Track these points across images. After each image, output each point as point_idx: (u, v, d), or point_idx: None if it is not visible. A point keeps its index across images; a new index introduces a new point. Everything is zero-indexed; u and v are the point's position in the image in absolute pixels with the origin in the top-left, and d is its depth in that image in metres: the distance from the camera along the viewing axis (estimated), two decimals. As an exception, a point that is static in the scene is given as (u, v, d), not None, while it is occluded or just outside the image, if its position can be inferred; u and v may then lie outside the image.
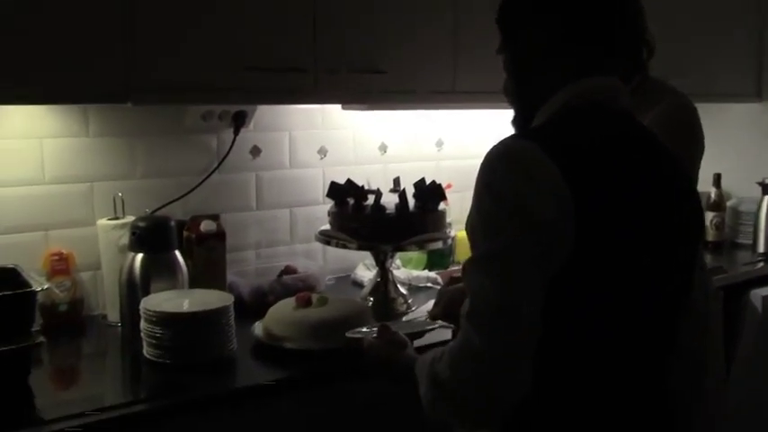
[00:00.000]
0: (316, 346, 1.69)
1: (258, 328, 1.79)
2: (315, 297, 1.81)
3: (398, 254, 2.31)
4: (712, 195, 2.90)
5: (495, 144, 1.11)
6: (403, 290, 2.15)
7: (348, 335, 1.59)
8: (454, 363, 1.09)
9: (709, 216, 2.87)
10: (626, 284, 1.11)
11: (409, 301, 2.11)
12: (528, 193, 1.04)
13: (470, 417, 1.13)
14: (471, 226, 1.11)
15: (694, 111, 1.89)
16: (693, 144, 1.86)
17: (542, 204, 1.04)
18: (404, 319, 1.97)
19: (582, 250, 1.05)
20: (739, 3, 2.86)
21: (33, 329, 1.54)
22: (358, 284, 2.30)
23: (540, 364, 1.07)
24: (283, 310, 1.79)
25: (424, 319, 1.72)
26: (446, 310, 1.66)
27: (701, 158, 1.90)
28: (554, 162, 1.04)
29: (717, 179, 2.89)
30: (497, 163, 1.08)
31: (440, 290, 1.82)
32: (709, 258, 2.74)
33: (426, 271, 2.39)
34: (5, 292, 1.48)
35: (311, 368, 1.65)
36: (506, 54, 1.25)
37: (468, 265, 1.10)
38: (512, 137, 1.13)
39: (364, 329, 1.59)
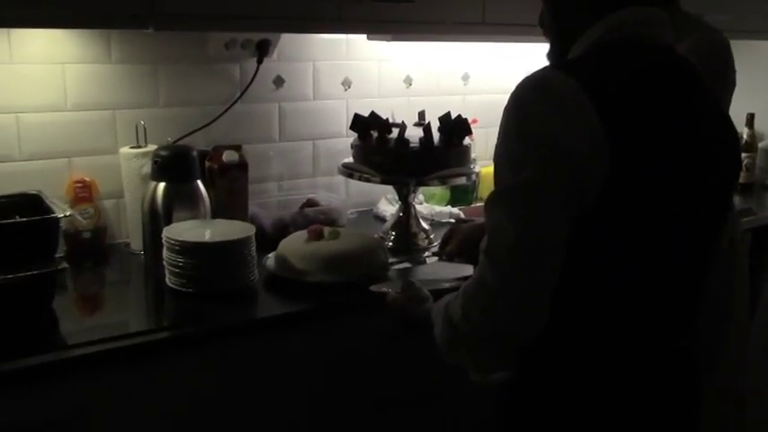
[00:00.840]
0: (326, 279, 1.69)
1: (271, 259, 1.79)
2: (327, 230, 1.80)
3: (421, 189, 2.29)
4: (744, 136, 2.83)
5: (526, 75, 1.07)
6: (425, 225, 2.14)
7: (372, 289, 1.60)
8: (468, 302, 1.08)
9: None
10: (657, 227, 1.08)
11: (431, 236, 2.10)
12: (558, 127, 1.00)
13: (484, 357, 1.12)
14: (497, 158, 1.08)
15: (728, 46, 1.82)
16: (724, 79, 1.80)
17: (573, 139, 1.00)
18: (425, 256, 1.97)
19: (612, 189, 1.01)
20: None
21: (57, 255, 1.55)
22: (380, 219, 2.29)
23: (560, 305, 1.05)
24: (295, 243, 1.78)
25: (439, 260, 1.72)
26: (462, 246, 1.65)
27: (731, 95, 1.84)
28: (588, 96, 1.00)
29: (750, 119, 2.82)
30: (529, 94, 1.05)
31: (451, 226, 1.80)
32: (738, 200, 2.68)
33: (449, 207, 2.37)
34: (29, 218, 1.49)
35: (322, 301, 1.65)
36: None
37: (490, 198, 1.07)
38: (545, 68, 1.09)
39: (385, 288, 1.58)
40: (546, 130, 1.01)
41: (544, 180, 1.01)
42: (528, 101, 1.04)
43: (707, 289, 1.21)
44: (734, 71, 1.83)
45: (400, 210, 2.11)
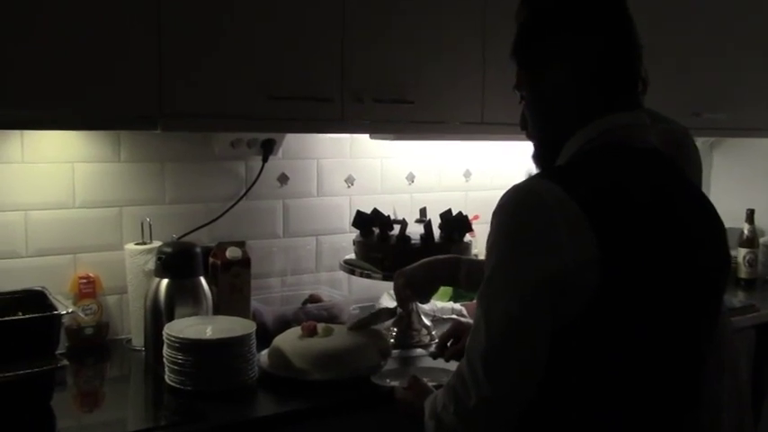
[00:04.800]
0: (320, 377, 1.69)
1: (264, 356, 1.79)
2: (320, 327, 1.81)
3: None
4: (745, 231, 2.85)
5: (514, 185, 1.08)
6: (427, 321, 2.13)
7: (375, 381, 1.65)
8: (448, 395, 1.11)
9: (742, 252, 2.82)
10: (649, 335, 1.08)
11: (433, 332, 2.09)
12: (548, 241, 1.01)
13: None
14: (486, 258, 1.09)
15: (689, 134, 1.85)
16: (696, 163, 1.82)
17: (563, 252, 1.01)
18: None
19: (603, 298, 1.02)
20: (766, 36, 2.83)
21: (58, 352, 1.55)
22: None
23: (545, 413, 1.06)
24: (289, 339, 1.79)
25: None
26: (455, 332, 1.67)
27: (700, 179, 1.85)
28: (579, 206, 1.01)
29: (750, 215, 2.84)
30: (517, 207, 1.06)
31: (454, 323, 1.81)
32: (741, 296, 2.68)
33: (451, 302, 2.37)
34: (31, 315, 1.50)
35: (320, 399, 1.63)
36: (526, 90, 1.22)
37: (478, 298, 1.09)
38: (534, 177, 1.10)
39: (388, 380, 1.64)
40: (536, 243, 1.03)
41: (528, 302, 1.02)
42: (515, 213, 1.06)
43: (701, 391, 1.19)
44: (698, 153, 1.84)
45: (402, 305, 2.11)
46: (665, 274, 1.07)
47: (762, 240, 2.92)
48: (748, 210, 2.83)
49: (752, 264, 2.86)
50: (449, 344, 1.75)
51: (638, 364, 1.08)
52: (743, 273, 2.84)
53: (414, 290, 1.74)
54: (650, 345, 1.08)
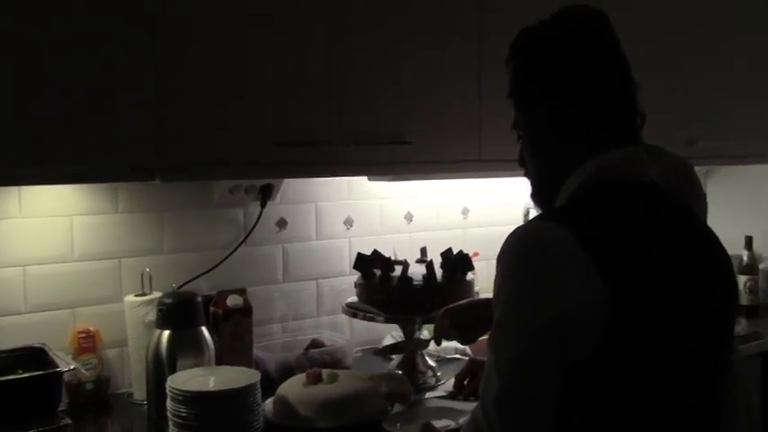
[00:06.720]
0: (325, 425, 1.66)
1: (269, 404, 1.76)
2: (325, 373, 1.79)
3: (426, 325, 2.27)
4: (745, 258, 2.85)
5: (518, 227, 1.08)
6: (431, 362, 2.11)
7: (386, 427, 1.64)
8: None
9: (743, 279, 2.81)
10: (661, 375, 1.06)
11: (438, 373, 2.07)
12: (555, 285, 1.01)
13: None
14: (495, 301, 1.08)
15: (692, 166, 1.85)
16: (701, 197, 1.82)
17: (570, 294, 1.00)
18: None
19: (613, 339, 1.01)
20: (764, 63, 2.86)
21: (59, 410, 1.53)
22: (386, 357, 2.27)
23: None
24: (294, 387, 1.76)
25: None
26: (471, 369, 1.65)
27: (706, 213, 1.85)
28: (583, 248, 1.01)
29: (749, 242, 2.84)
30: (521, 250, 1.06)
31: (471, 359, 1.80)
32: (744, 323, 2.67)
33: (455, 342, 2.34)
34: (32, 373, 1.48)
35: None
36: (523, 130, 1.22)
37: (489, 343, 1.09)
38: (536, 218, 1.10)
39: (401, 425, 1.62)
40: (542, 286, 1.02)
41: (536, 343, 1.02)
42: (522, 256, 1.05)
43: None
44: (701, 186, 1.84)
45: (406, 347, 2.09)
46: (675, 313, 1.06)
47: (761, 267, 2.92)
48: (746, 236, 2.83)
49: (753, 290, 2.85)
50: (465, 382, 1.73)
51: (650, 405, 1.06)
52: (744, 300, 2.83)
53: (459, 332, 1.72)
54: (663, 385, 1.06)
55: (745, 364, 2.03)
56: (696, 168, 1.74)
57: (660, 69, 2.33)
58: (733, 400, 1.66)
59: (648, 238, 1.07)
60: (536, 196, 1.25)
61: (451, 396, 1.71)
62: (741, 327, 2.60)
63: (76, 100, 1.52)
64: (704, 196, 1.80)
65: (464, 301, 1.76)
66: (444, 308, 1.77)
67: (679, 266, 1.08)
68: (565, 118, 1.15)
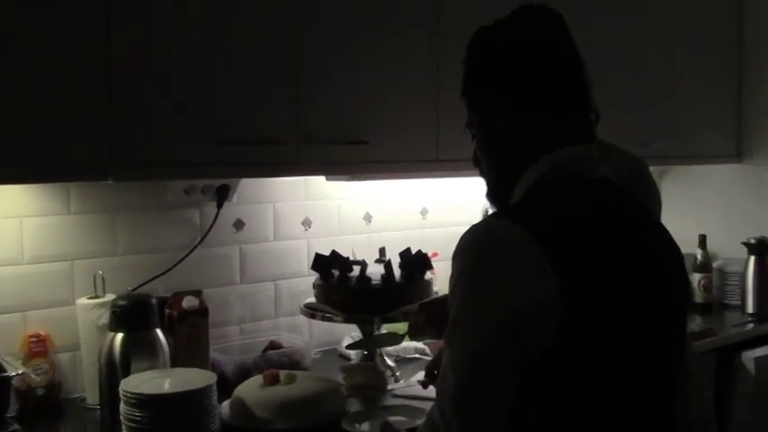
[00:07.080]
0: (283, 426, 1.65)
1: (226, 407, 1.74)
2: (282, 374, 1.77)
3: (385, 325, 2.27)
4: (698, 257, 2.89)
5: (472, 225, 1.08)
6: (390, 362, 2.11)
7: (346, 426, 1.63)
8: None
9: (697, 277, 2.86)
10: (616, 368, 1.07)
11: (397, 373, 2.07)
12: (509, 280, 1.02)
13: None
14: (450, 307, 1.08)
15: (647, 166, 1.87)
16: (655, 193, 1.84)
17: (525, 290, 1.01)
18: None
19: (567, 333, 1.01)
20: (717, 63, 2.91)
21: (8, 416, 1.48)
22: (345, 357, 2.26)
23: None
24: (251, 389, 1.75)
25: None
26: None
27: (660, 211, 1.87)
28: (538, 243, 1.01)
29: (702, 240, 2.89)
30: (476, 247, 1.06)
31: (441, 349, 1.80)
32: (698, 320, 2.72)
33: (414, 342, 2.34)
34: (-21, 379, 1.44)
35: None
36: (477, 129, 1.23)
37: (445, 340, 1.08)
38: (491, 216, 1.11)
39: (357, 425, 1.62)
40: (497, 283, 1.02)
41: (492, 341, 1.02)
42: (477, 254, 1.05)
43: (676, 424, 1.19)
44: (656, 185, 1.87)
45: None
46: (623, 308, 1.07)
47: (715, 265, 2.97)
48: (700, 235, 2.88)
49: (707, 288, 2.90)
50: (436, 372, 1.73)
51: (601, 400, 1.07)
52: (698, 297, 2.87)
53: (434, 327, 1.71)
54: (611, 380, 1.07)
55: (699, 360, 2.06)
56: (651, 168, 1.76)
57: (615, 70, 2.36)
58: (686, 397, 1.69)
59: (600, 234, 1.08)
60: (491, 195, 1.25)
61: (423, 386, 1.71)
62: (695, 324, 2.65)
63: (26, 99, 1.49)
64: (659, 195, 1.82)
65: (439, 295, 1.76)
66: (419, 302, 1.77)
67: (629, 262, 1.10)
68: (518, 117, 1.16)
